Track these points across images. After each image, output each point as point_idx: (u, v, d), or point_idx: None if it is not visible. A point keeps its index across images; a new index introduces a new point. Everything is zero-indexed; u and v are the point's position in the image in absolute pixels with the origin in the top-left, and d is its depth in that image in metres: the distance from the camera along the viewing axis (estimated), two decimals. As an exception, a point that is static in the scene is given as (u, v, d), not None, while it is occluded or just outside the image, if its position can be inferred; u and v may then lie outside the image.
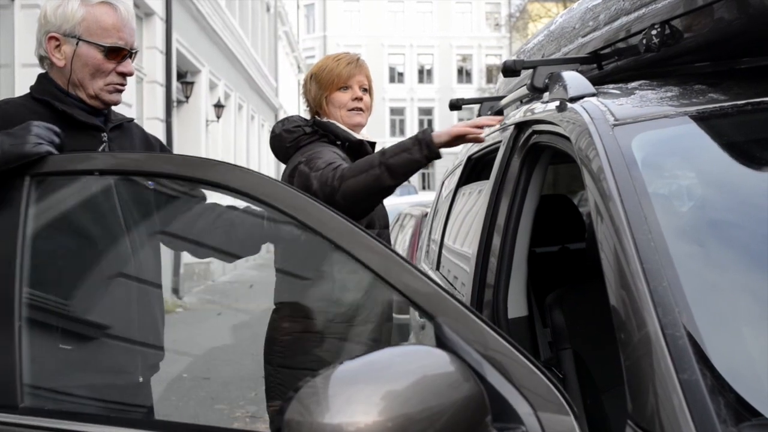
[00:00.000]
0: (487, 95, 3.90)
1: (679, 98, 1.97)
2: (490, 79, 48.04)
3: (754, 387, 1.28)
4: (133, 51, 2.40)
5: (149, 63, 12.67)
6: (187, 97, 15.43)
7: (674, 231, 1.50)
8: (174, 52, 13.67)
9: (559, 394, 1.34)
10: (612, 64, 2.47)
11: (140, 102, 12.18)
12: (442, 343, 1.41)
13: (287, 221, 1.70)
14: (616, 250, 1.47)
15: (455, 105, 3.55)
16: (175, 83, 13.98)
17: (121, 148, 2.40)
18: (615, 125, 1.76)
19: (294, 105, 40.54)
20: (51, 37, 2.34)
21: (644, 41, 2.10)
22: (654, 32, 2.07)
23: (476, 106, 3.76)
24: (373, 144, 3.00)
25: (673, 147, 1.79)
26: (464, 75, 53.39)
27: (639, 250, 1.42)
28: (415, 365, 1.32)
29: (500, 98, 3.36)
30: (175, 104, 13.89)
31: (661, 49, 2.08)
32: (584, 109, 1.88)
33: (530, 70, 2.52)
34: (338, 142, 2.87)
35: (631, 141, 1.69)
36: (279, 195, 1.71)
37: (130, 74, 2.41)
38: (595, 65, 2.54)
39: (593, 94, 1.98)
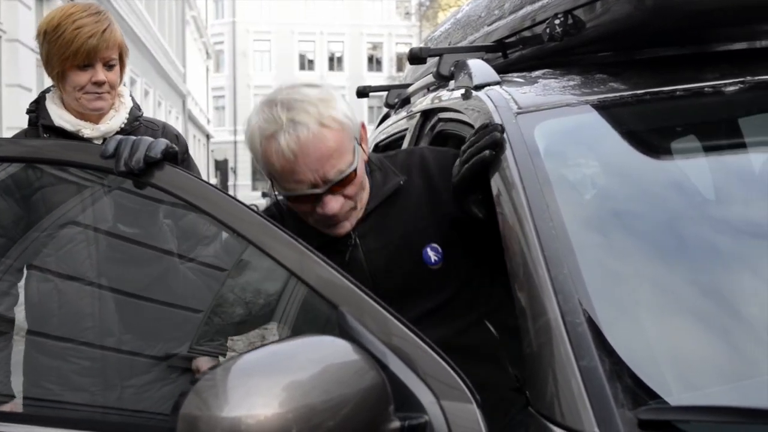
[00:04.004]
0: (399, 83, 3.90)
1: (581, 87, 1.99)
2: (400, 68, 48.25)
3: (651, 372, 1.30)
4: (335, 182, 1.82)
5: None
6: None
7: (575, 219, 1.52)
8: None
9: (462, 383, 1.34)
10: (517, 53, 2.49)
11: (41, 85, 11.78)
12: (345, 332, 1.40)
13: (199, 215, 1.66)
14: (518, 237, 1.48)
15: (362, 92, 3.55)
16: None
17: (376, 241, 1.96)
18: (518, 113, 1.77)
19: (203, 91, 40.01)
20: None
21: (547, 30, 2.12)
22: (557, 22, 2.09)
23: (384, 94, 3.75)
24: None
25: (574, 135, 1.82)
26: (375, 63, 53.49)
27: (540, 238, 1.43)
28: (317, 355, 1.30)
29: (407, 86, 3.36)
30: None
31: (564, 39, 2.10)
32: (488, 97, 1.89)
33: (437, 58, 2.52)
34: None
35: (533, 129, 1.71)
36: (190, 188, 1.67)
37: (349, 197, 1.88)
38: (500, 54, 2.55)
39: (497, 83, 1.99)
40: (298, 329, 1.96)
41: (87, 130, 2.42)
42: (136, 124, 2.53)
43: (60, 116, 2.43)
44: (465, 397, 1.33)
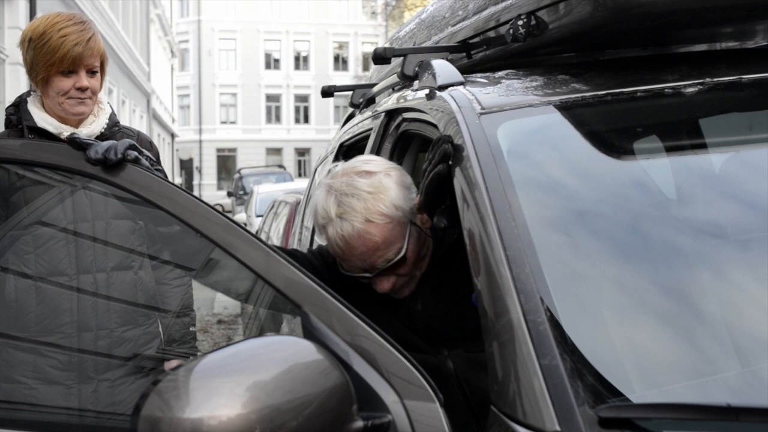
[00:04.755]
0: (364, 83, 3.89)
1: (544, 88, 2.01)
2: (366, 67, 48.17)
3: (613, 369, 1.32)
4: (383, 269, 1.93)
5: (11, 44, 12.09)
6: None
7: (537, 219, 1.53)
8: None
9: (425, 382, 1.35)
10: (481, 54, 2.50)
11: (2, 85, 11.62)
12: (309, 332, 1.40)
13: (165, 218, 1.66)
14: (481, 237, 1.49)
15: (327, 92, 3.54)
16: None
17: (432, 294, 2.03)
18: (481, 114, 1.77)
19: (167, 90, 39.69)
20: None
21: (511, 31, 2.12)
22: (520, 23, 2.10)
23: (349, 93, 3.75)
24: None
25: (537, 135, 1.83)
26: (341, 62, 53.36)
27: (503, 238, 1.44)
28: (280, 356, 1.30)
29: (372, 86, 3.35)
30: (40, 87, 13.32)
31: (527, 40, 2.11)
32: (452, 97, 1.89)
33: (401, 58, 2.52)
34: None
35: (496, 129, 1.72)
36: (154, 188, 1.66)
37: (402, 275, 1.97)
38: (464, 54, 2.56)
39: (461, 83, 2.00)
40: (263, 330, 1.96)
41: (67, 133, 2.48)
42: (115, 129, 2.66)
43: (43, 119, 2.53)
44: (428, 396, 1.34)
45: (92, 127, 2.59)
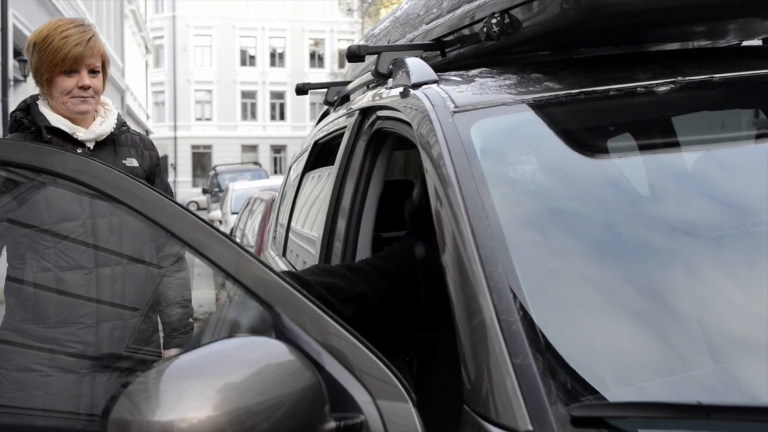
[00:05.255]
0: (339, 80, 3.88)
1: (517, 86, 2.00)
2: (342, 65, 48.03)
3: (586, 368, 1.32)
4: None
5: (-17, 40, 12.02)
6: (26, 76, 14.69)
7: (510, 217, 1.53)
8: (10, 27, 13.00)
9: (398, 382, 1.34)
10: (455, 52, 2.49)
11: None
12: (280, 332, 1.39)
13: (132, 215, 1.64)
14: (454, 235, 1.48)
15: (302, 89, 3.53)
16: (12, 61, 13.31)
17: None
18: (455, 112, 1.77)
19: (142, 86, 39.41)
20: None
21: (484, 29, 2.12)
22: (494, 21, 2.10)
23: (324, 91, 3.74)
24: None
25: (510, 134, 1.83)
26: (317, 59, 53.25)
27: (476, 236, 1.43)
28: (251, 356, 1.28)
29: (347, 83, 3.34)
30: (12, 83, 13.23)
31: (501, 38, 2.11)
32: (426, 95, 1.89)
33: (376, 56, 2.51)
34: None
35: (470, 128, 1.71)
36: (126, 188, 1.64)
37: None
38: (438, 52, 2.56)
39: (435, 81, 2.00)
40: (234, 330, 1.94)
41: (81, 133, 2.66)
42: (123, 129, 2.81)
43: (57, 120, 2.65)
44: (401, 396, 1.33)
45: (103, 127, 2.72)
